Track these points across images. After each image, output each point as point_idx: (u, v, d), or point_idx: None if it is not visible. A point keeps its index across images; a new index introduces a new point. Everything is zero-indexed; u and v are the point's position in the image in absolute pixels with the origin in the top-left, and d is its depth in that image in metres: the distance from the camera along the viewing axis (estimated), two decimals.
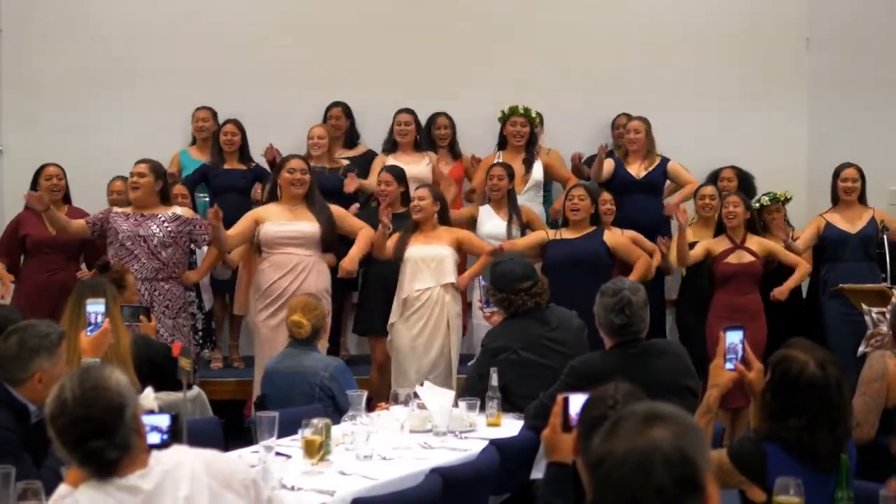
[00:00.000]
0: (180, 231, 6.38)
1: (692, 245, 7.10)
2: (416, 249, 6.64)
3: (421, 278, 6.60)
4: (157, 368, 4.87)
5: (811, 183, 8.41)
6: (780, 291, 6.96)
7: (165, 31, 8.21)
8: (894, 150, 8.07)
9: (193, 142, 7.96)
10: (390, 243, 6.67)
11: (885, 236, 7.04)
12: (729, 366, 3.54)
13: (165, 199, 6.48)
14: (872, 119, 8.32)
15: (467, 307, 7.12)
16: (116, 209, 6.53)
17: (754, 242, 6.99)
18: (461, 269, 6.94)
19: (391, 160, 7.55)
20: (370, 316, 7.07)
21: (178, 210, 6.48)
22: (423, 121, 7.93)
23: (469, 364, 6.54)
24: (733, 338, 3.54)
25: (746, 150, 8.22)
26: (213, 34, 8.23)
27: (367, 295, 7.22)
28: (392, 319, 6.70)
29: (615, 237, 6.91)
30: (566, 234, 6.87)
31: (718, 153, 8.04)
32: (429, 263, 6.60)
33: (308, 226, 6.51)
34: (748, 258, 6.93)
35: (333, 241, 6.65)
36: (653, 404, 1.94)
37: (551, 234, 6.92)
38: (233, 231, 6.58)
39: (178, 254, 6.40)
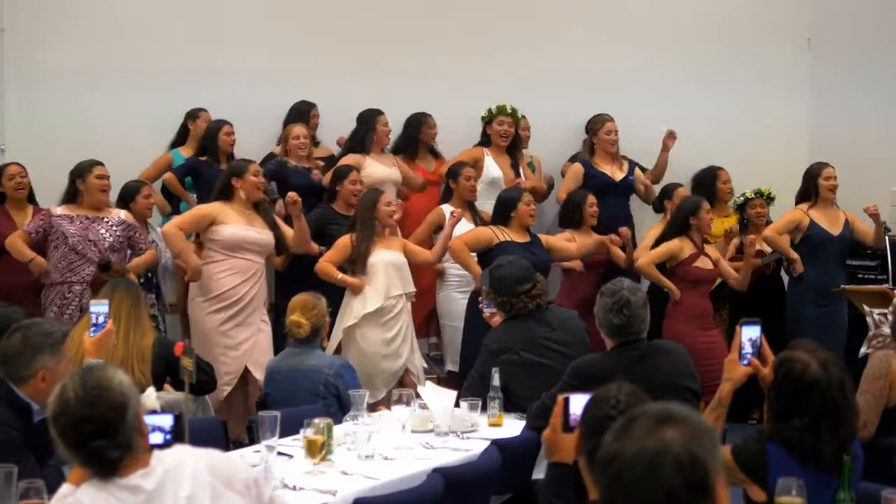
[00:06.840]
0: (126, 236, 6.49)
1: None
2: (384, 255, 6.51)
3: (394, 284, 6.51)
4: (172, 369, 4.92)
5: None
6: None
7: (166, 29, 8.19)
8: (895, 151, 8.05)
9: (183, 142, 7.87)
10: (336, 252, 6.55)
11: (885, 236, 7.04)
12: (744, 361, 3.52)
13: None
14: (873, 119, 8.31)
15: (437, 279, 7.19)
16: (59, 210, 6.47)
17: (710, 249, 6.94)
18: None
19: (368, 162, 7.42)
20: None
21: (123, 215, 6.56)
22: (400, 123, 7.84)
23: (449, 360, 6.58)
24: (750, 332, 3.50)
25: (747, 150, 8.21)
26: (214, 33, 8.22)
27: None
28: (350, 322, 6.47)
29: (548, 239, 6.89)
30: (513, 236, 6.65)
31: (719, 152, 8.04)
32: (397, 270, 6.54)
33: (267, 233, 6.45)
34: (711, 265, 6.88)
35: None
36: (666, 405, 1.92)
37: (500, 236, 6.66)
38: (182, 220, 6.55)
39: (122, 259, 6.41)
